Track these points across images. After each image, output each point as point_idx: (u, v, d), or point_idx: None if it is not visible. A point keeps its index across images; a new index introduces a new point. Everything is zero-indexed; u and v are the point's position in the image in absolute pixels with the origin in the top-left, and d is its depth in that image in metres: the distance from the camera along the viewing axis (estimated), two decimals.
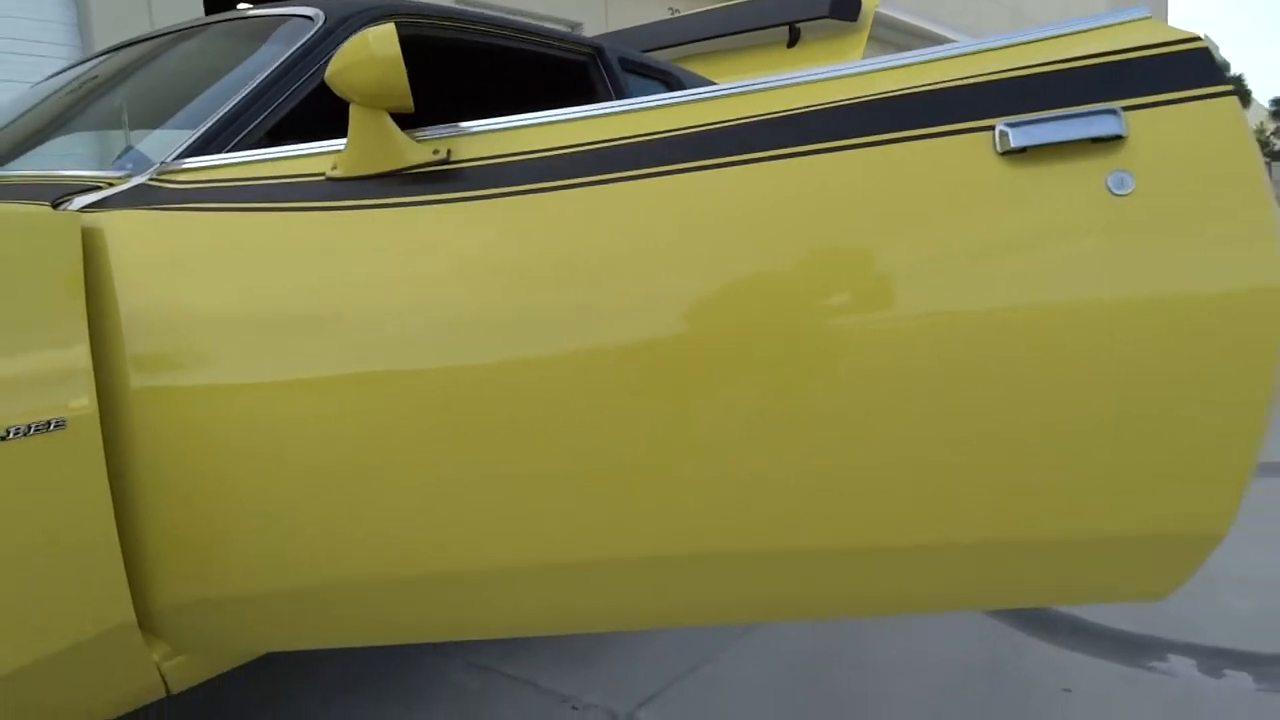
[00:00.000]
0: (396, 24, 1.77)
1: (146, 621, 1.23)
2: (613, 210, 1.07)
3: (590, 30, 12.21)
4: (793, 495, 1.06)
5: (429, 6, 1.84)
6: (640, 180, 1.07)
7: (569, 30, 2.27)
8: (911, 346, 1.01)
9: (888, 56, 1.08)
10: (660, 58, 3.74)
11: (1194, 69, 1.00)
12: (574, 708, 1.77)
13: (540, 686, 1.86)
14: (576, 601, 1.17)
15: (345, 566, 1.19)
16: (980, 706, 1.71)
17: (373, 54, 1.03)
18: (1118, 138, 0.98)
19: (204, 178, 1.21)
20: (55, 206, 1.18)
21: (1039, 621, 2.05)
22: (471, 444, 1.08)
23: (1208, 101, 0.99)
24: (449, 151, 1.13)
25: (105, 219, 1.16)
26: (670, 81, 2.50)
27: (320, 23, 1.65)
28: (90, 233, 1.14)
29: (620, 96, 2.28)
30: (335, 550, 1.18)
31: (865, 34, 3.39)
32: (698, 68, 3.69)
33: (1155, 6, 44.51)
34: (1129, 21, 1.04)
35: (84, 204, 1.18)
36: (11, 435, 1.01)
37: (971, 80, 1.04)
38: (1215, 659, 1.84)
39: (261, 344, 1.12)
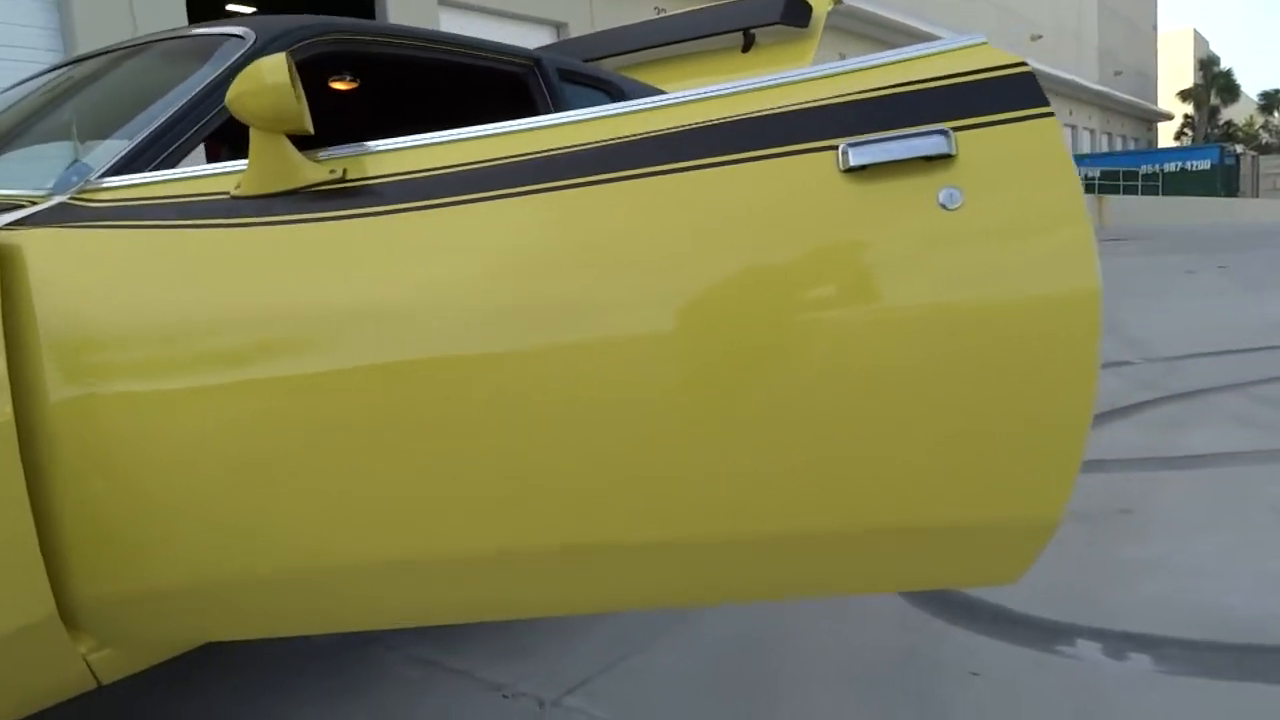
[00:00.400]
0: (323, 41, 1.84)
1: (69, 616, 1.30)
2: (487, 227, 1.14)
3: (576, 30, 12.29)
4: (655, 489, 1.14)
5: (358, 24, 1.91)
6: (515, 198, 1.15)
7: (507, 44, 2.34)
8: (768, 352, 1.08)
9: (746, 80, 1.15)
10: (618, 64, 3.81)
11: (1019, 92, 1.08)
12: (505, 696, 1.85)
13: (476, 677, 1.94)
14: (450, 594, 1.25)
15: (249, 562, 1.26)
16: (888, 691, 1.78)
17: (264, 82, 1.10)
18: (948, 156, 1.06)
19: (119, 197, 1.28)
20: None
21: (961, 609, 2.13)
22: (355, 447, 1.15)
23: (1031, 122, 1.07)
24: (345, 171, 1.21)
25: (23, 237, 1.23)
26: (611, 90, 2.57)
27: (250, 42, 1.72)
28: (8, 251, 1.21)
29: (559, 107, 2.35)
30: (239, 547, 1.25)
31: (816, 39, 3.47)
32: (654, 74, 3.76)
33: (1144, 4, 44.64)
34: (966, 47, 1.11)
35: (3, 223, 1.25)
36: None
37: (819, 103, 1.12)
38: (1121, 643, 1.92)
39: (167, 355, 1.20)
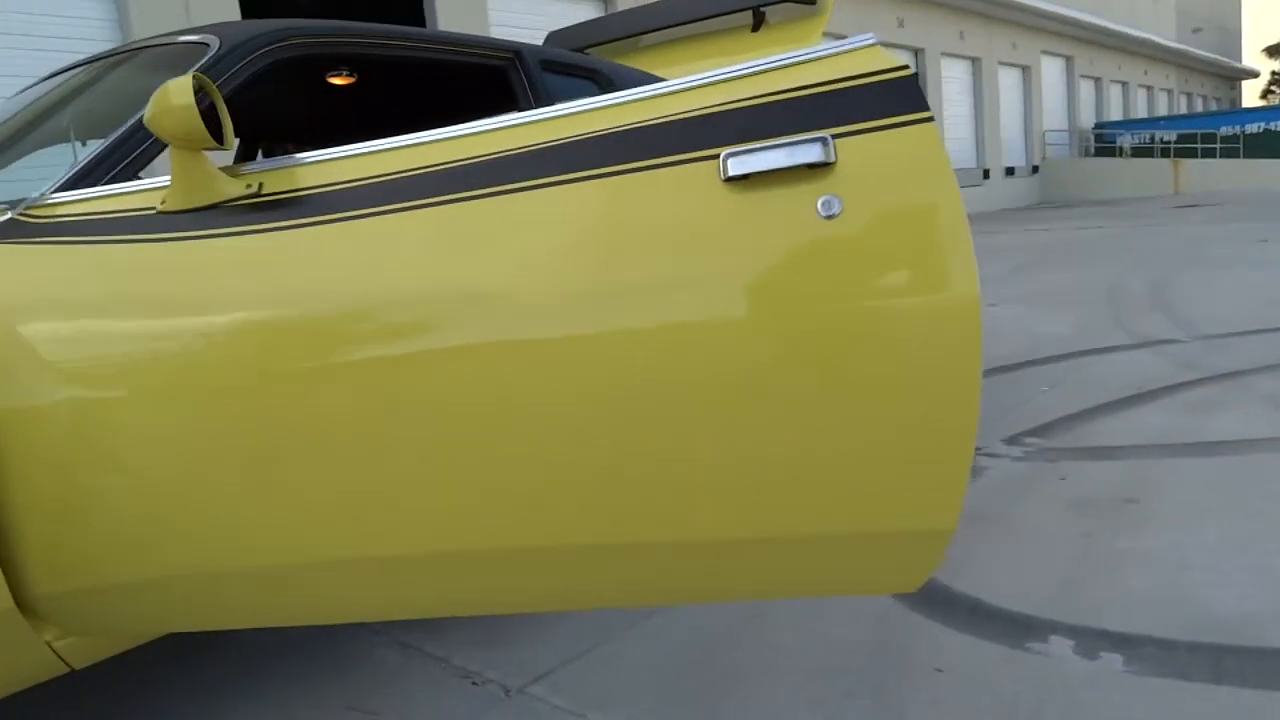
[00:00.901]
0: (288, 45, 1.87)
1: (28, 608, 1.38)
2: (383, 240, 1.17)
3: (625, 6, 12.26)
4: (534, 496, 1.16)
5: (323, 26, 1.94)
6: (407, 212, 1.17)
7: (487, 38, 2.35)
8: (654, 363, 1.09)
9: (632, 91, 1.15)
10: (626, 45, 3.79)
11: (900, 97, 1.05)
12: (474, 683, 1.90)
13: (451, 663, 1.99)
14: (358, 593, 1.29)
15: (192, 559, 1.32)
16: (850, 686, 1.78)
17: (171, 103, 1.14)
18: (827, 164, 1.04)
19: (61, 213, 1.34)
20: None
21: (940, 604, 2.11)
22: (270, 453, 1.20)
23: (911, 128, 1.04)
24: (261, 185, 1.24)
25: None
26: (598, 79, 2.56)
27: (213, 49, 1.76)
28: None
29: (540, 99, 2.36)
30: (175, 544, 1.31)
31: (825, 18, 3.41)
32: (665, 56, 3.74)
33: None
34: (854, 50, 1.09)
35: None
36: None
37: (703, 112, 1.11)
38: (1095, 640, 1.88)
39: (99, 363, 1.25)
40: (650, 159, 1.09)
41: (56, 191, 1.42)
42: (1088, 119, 27.08)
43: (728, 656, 1.93)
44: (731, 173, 1.06)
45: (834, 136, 1.05)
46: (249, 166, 1.28)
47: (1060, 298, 6.65)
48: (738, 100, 1.10)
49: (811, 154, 1.03)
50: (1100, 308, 6.06)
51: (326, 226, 1.20)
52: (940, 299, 1.03)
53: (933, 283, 1.03)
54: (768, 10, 3.55)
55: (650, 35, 3.74)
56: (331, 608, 1.40)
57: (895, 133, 1.04)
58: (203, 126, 1.15)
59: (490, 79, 2.74)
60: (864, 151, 1.05)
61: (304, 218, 1.22)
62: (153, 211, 1.27)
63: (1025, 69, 23.27)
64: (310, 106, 3.02)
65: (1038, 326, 5.55)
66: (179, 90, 1.14)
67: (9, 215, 1.38)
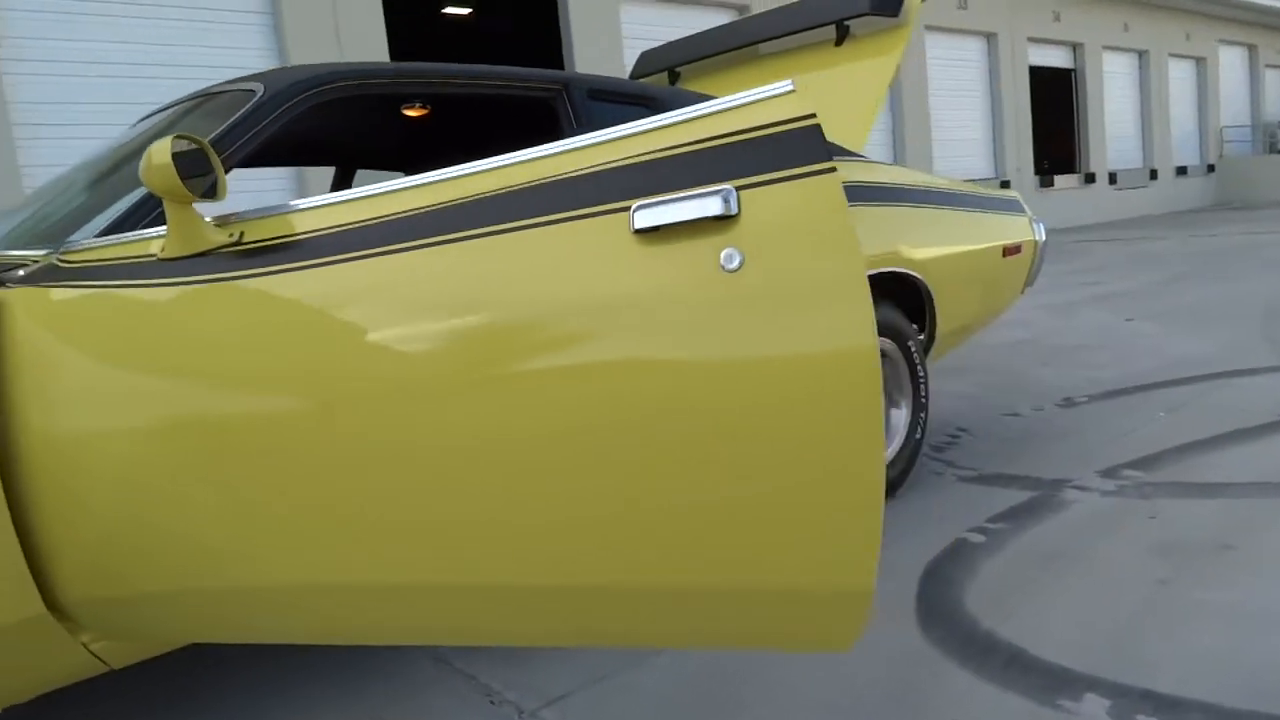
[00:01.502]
0: (333, 89, 1.99)
1: (61, 612, 1.53)
2: (333, 286, 1.25)
3: (759, 9, 12.23)
4: (466, 536, 1.19)
5: (368, 69, 2.05)
6: (352, 262, 1.23)
7: (535, 71, 2.41)
8: (564, 413, 1.10)
9: (557, 143, 1.16)
10: (711, 63, 3.79)
11: (802, 148, 1.02)
12: (492, 701, 1.96)
13: (477, 680, 2.06)
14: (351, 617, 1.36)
15: (202, 577, 1.43)
16: None
17: (152, 162, 1.25)
18: (729, 217, 1.02)
19: (86, 258, 1.48)
20: None
21: (977, 650, 2.00)
22: (268, 480, 1.29)
23: (811, 180, 1.01)
24: (242, 234, 1.34)
25: (13, 293, 1.45)
26: (651, 104, 2.58)
27: (257, 95, 1.90)
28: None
29: (586, 128, 2.40)
30: (191, 560, 1.42)
31: (909, 29, 3.31)
32: (749, 73, 3.71)
33: None
34: (767, 98, 1.06)
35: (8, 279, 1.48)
36: None
37: (618, 164, 1.11)
38: (1136, 702, 1.74)
39: (118, 395, 1.38)
40: (565, 212, 1.11)
41: (92, 237, 1.57)
42: (1274, 112, 24.76)
43: (743, 690, 1.91)
44: (639, 225, 1.06)
45: (738, 189, 1.03)
46: (235, 215, 1.37)
47: (1209, 312, 6.14)
48: (651, 152, 1.10)
49: (713, 207, 1.02)
50: (1253, 324, 5.55)
51: (296, 273, 1.28)
52: (836, 352, 0.99)
53: (828, 336, 0.99)
54: (852, 24, 3.47)
55: (737, 52, 3.73)
56: (345, 630, 1.48)
57: (796, 184, 1.01)
58: (180, 184, 1.25)
59: (538, 111, 2.81)
60: (765, 204, 1.02)
61: (278, 264, 1.30)
62: (152, 259, 1.38)
63: (1200, 60, 21.54)
64: (383, 137, 3.19)
65: (1173, 345, 5.15)
66: (159, 151, 1.24)
67: (51, 259, 1.53)
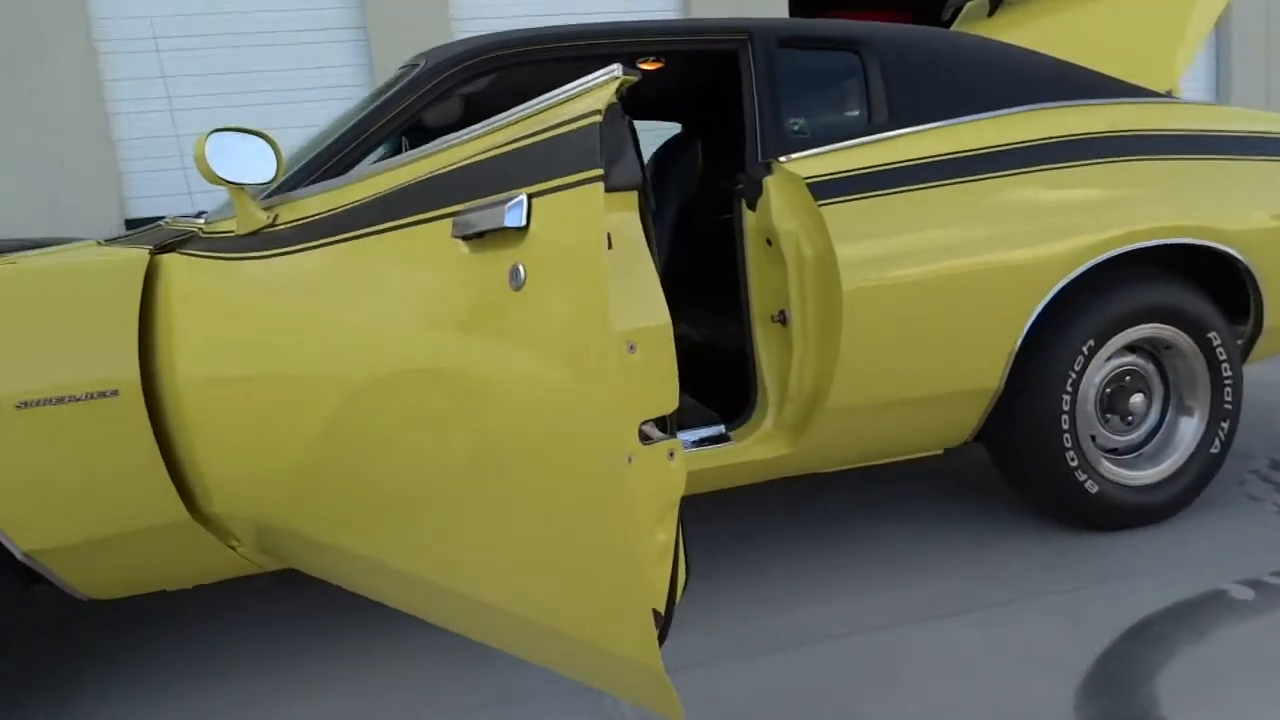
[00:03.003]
0: (496, 59, 2.05)
1: (207, 522, 1.85)
2: (319, 268, 1.32)
3: None
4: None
5: (535, 34, 2.07)
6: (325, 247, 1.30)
7: (714, 20, 2.26)
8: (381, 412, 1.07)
9: (405, 154, 1.09)
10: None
11: (580, 152, 0.83)
12: None
13: None
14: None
15: (291, 519, 1.65)
16: None
17: (196, 154, 1.42)
18: (521, 229, 0.89)
19: (211, 230, 1.73)
20: (158, 250, 1.81)
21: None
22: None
23: (581, 189, 0.82)
24: (276, 216, 1.47)
25: (165, 260, 1.76)
26: (860, 48, 2.28)
27: (417, 67, 2.04)
28: (154, 266, 1.74)
29: (771, 80, 2.21)
30: (297, 506, 1.64)
31: None
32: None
33: None
34: (580, 93, 0.88)
35: (160, 248, 1.79)
36: (85, 398, 1.68)
37: (454, 168, 1.00)
38: None
39: (215, 350, 1.63)
40: (400, 219, 1.06)
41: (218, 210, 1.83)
42: None
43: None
44: (454, 233, 0.98)
45: (530, 196, 0.89)
46: (280, 198, 1.51)
47: None
48: (484, 153, 0.99)
49: (503, 217, 0.90)
50: None
51: (307, 253, 1.39)
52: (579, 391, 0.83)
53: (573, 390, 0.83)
54: None
55: None
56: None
57: (570, 194, 0.85)
58: (212, 173, 1.41)
59: (721, 64, 2.61)
60: (547, 215, 0.87)
61: (294, 245, 1.42)
62: (232, 235, 1.58)
63: None
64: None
65: None
66: (198, 144, 1.41)
67: (197, 228, 1.82)
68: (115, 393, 1.69)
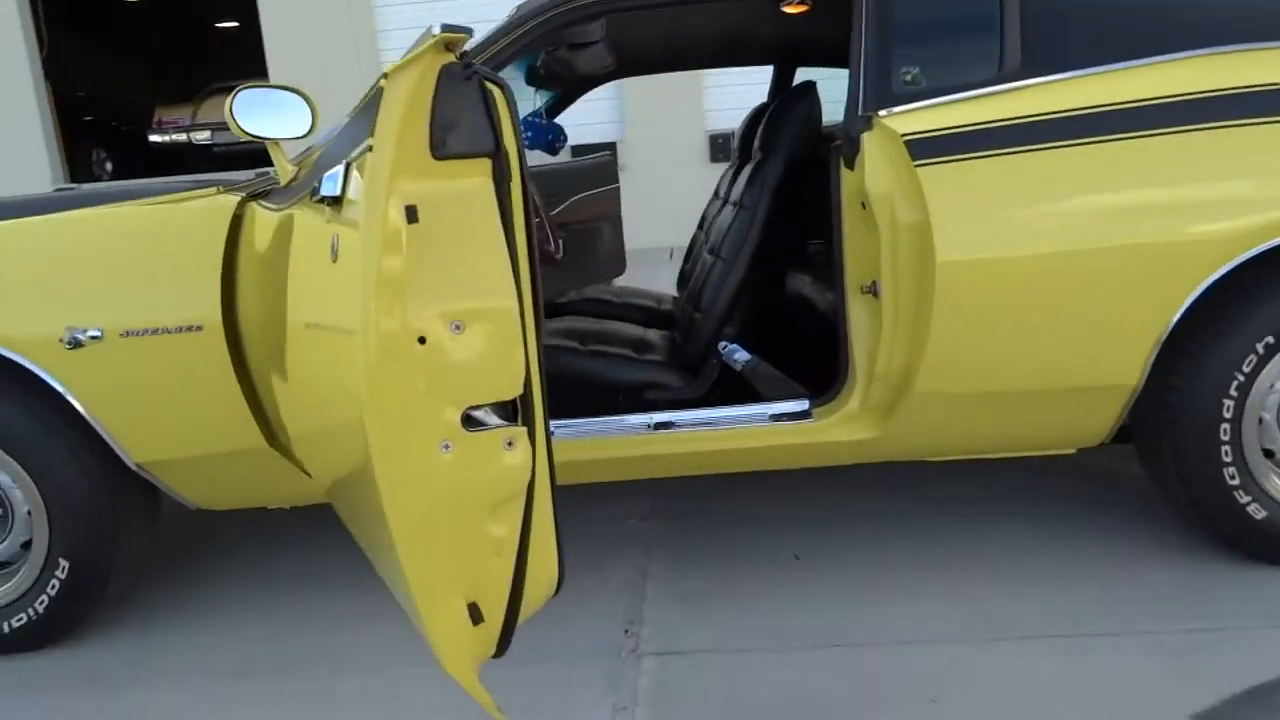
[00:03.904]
0: (574, 9, 2.00)
1: (284, 452, 2.00)
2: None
3: None
4: None
5: None
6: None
7: None
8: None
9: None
10: None
11: (370, 119, 0.76)
12: (625, 630, 1.98)
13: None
14: None
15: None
16: None
17: (225, 112, 1.50)
18: (336, 197, 0.84)
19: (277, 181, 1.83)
20: (249, 198, 1.95)
21: None
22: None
23: (363, 158, 0.75)
24: (299, 170, 1.52)
25: (249, 208, 1.89)
26: None
27: (506, 19, 2.04)
28: (238, 217, 1.89)
29: (882, 18, 1.98)
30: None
31: None
32: None
33: None
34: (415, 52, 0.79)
35: (250, 195, 1.93)
36: (176, 330, 1.86)
37: None
38: None
39: (263, 296, 1.74)
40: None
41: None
42: None
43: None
44: (323, 193, 0.95)
45: (348, 165, 0.83)
46: (306, 152, 1.57)
47: None
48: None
49: (329, 185, 0.86)
50: None
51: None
52: None
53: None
54: None
55: None
56: None
57: (358, 164, 0.79)
58: (240, 129, 1.49)
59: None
60: (352, 186, 0.82)
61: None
62: (278, 185, 1.67)
63: None
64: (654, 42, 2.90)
65: None
66: (227, 102, 1.49)
67: (274, 186, 1.93)
68: (200, 328, 1.87)
